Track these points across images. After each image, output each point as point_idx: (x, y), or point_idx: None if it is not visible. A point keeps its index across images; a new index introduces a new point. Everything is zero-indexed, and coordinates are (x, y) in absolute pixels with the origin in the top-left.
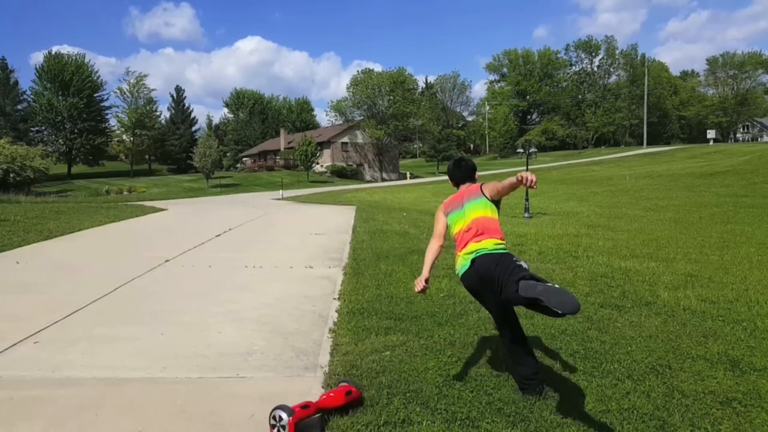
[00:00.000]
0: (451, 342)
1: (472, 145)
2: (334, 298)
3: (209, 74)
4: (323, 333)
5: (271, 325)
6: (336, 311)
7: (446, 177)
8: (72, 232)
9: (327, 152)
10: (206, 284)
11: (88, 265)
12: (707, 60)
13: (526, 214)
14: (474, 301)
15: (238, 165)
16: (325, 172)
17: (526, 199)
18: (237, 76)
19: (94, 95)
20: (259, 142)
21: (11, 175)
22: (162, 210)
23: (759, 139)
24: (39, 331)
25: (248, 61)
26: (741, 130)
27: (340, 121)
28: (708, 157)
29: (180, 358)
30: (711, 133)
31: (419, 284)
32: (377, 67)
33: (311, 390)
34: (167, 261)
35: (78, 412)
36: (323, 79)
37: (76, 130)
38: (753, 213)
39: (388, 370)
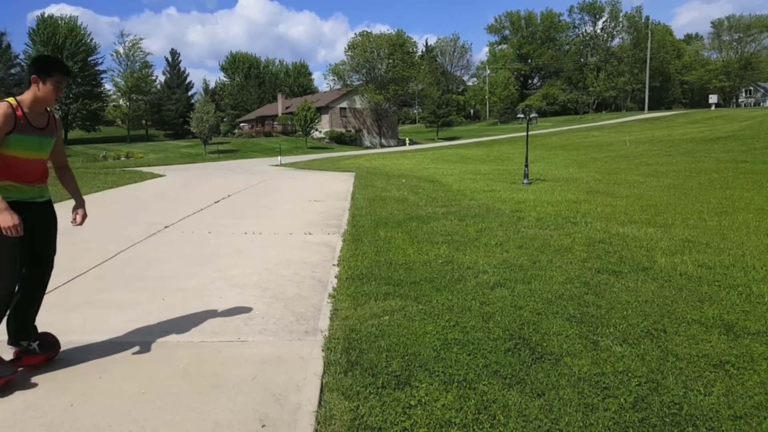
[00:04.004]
0: (449, 307)
1: (471, 111)
2: (333, 264)
3: (214, 36)
4: (323, 298)
5: (271, 290)
6: (335, 277)
7: (447, 143)
8: (70, 198)
9: (325, 118)
10: (206, 250)
11: (88, 230)
12: (712, 23)
13: (525, 180)
14: (472, 267)
15: (236, 130)
16: (324, 138)
17: (526, 165)
18: (242, 38)
19: (89, 59)
20: (256, 107)
21: None
22: (160, 176)
23: (761, 103)
24: None
25: (253, 22)
26: (743, 94)
27: (339, 86)
28: (709, 123)
29: (182, 322)
30: (713, 98)
31: None
32: (386, 30)
33: (312, 353)
34: (167, 227)
35: (82, 376)
36: (331, 41)
37: (71, 95)
38: (752, 179)
39: (387, 334)
